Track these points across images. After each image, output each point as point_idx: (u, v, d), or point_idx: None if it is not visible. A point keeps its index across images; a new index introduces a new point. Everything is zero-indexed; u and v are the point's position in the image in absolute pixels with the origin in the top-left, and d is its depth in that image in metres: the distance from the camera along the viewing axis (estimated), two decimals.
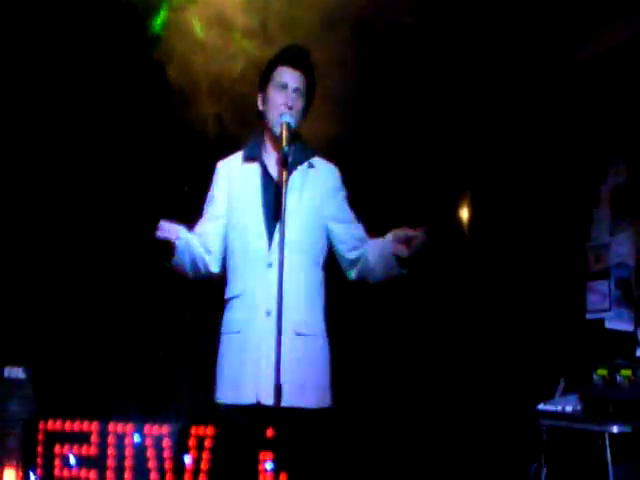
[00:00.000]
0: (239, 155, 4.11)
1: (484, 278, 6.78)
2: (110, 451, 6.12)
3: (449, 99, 6.57)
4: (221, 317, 3.99)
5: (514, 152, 6.61)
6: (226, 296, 3.94)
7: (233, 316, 3.87)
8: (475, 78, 6.43)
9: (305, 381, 3.76)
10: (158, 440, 6.15)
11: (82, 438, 6.15)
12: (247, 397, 3.74)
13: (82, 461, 6.14)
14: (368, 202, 5.96)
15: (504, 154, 6.71)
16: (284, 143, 3.90)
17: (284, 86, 3.97)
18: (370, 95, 5.87)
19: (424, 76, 6.30)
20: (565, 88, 6.29)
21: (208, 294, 5.17)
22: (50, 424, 6.15)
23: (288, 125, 3.93)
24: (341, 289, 4.17)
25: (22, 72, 6.31)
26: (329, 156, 4.21)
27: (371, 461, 6.63)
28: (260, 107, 4.07)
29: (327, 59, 4.78)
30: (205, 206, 4.11)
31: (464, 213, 7.20)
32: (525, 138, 6.55)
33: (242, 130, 4.65)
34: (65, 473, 6.14)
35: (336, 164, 4.20)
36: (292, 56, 3.98)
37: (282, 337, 3.51)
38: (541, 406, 5.58)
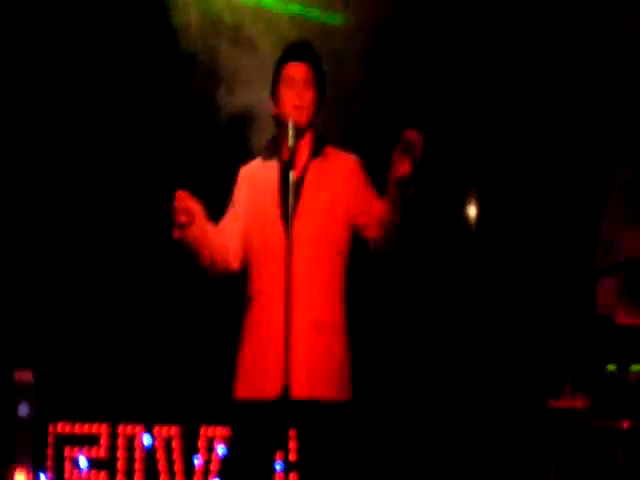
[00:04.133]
0: (259, 158, 4.19)
1: (492, 274, 6.77)
2: (120, 453, 6.12)
3: (455, 92, 6.57)
4: (233, 316, 4.04)
5: (522, 146, 6.61)
6: (247, 294, 4.01)
7: (254, 314, 3.95)
8: (483, 73, 6.42)
9: (326, 374, 3.86)
10: (168, 441, 6.15)
11: (92, 440, 6.15)
12: (271, 391, 3.79)
13: (92, 463, 6.14)
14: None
15: (511, 148, 6.70)
16: (290, 142, 3.93)
17: (292, 80, 3.99)
18: (378, 89, 5.87)
19: (432, 69, 6.30)
20: (572, 85, 6.29)
21: (219, 293, 5.15)
22: (60, 427, 6.15)
23: (293, 124, 3.96)
24: (361, 281, 4.18)
25: (25, 64, 6.33)
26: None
27: (384, 456, 6.63)
28: (274, 111, 4.11)
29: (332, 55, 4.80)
30: (227, 209, 4.20)
31: (471, 209, 7.19)
32: (534, 133, 6.54)
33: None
34: (75, 476, 6.14)
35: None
36: (296, 51, 4.02)
37: (302, 332, 3.72)
38: (551, 402, 5.57)
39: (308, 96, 4.01)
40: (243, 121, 5.30)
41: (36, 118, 6.50)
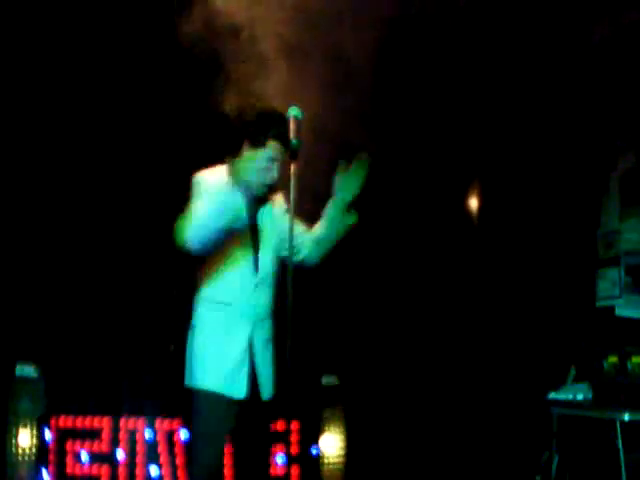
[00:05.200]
0: (223, 173, 4.23)
1: (494, 266, 6.79)
2: (122, 447, 6.14)
3: (459, 87, 6.58)
4: None
5: (524, 140, 6.62)
6: (216, 299, 4.28)
7: (220, 317, 4.26)
8: (485, 67, 6.43)
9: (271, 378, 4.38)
10: (169, 435, 6.17)
11: (94, 434, 6.16)
12: (237, 392, 4.21)
13: (94, 457, 6.15)
14: (378, 192, 6.01)
15: (513, 142, 6.71)
16: (292, 135, 4.00)
17: (273, 160, 4.25)
18: (381, 84, 5.87)
19: (435, 64, 6.32)
20: (573, 76, 6.29)
21: None
22: (62, 421, 6.16)
23: (296, 118, 4.02)
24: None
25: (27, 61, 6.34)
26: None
27: (382, 447, 6.67)
28: (240, 155, 4.28)
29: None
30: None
31: (474, 201, 7.21)
32: (534, 126, 6.55)
33: None
34: (77, 470, 6.14)
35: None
36: (283, 134, 4.15)
37: (259, 343, 4.29)
38: (552, 394, 5.59)
39: (278, 172, 4.29)
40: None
41: (36, 118, 6.52)
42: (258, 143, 4.25)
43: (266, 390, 4.28)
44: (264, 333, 4.34)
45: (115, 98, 6.50)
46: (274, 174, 4.26)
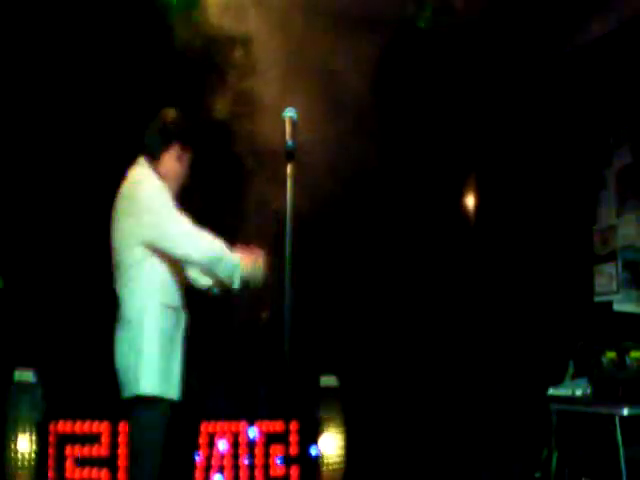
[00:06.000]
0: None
1: (492, 264, 6.81)
2: (121, 451, 6.12)
3: (456, 84, 6.60)
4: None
5: (520, 137, 6.63)
6: (162, 300, 4.29)
7: (168, 320, 4.30)
8: (481, 63, 6.45)
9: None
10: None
11: (93, 439, 6.15)
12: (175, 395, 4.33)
13: (93, 462, 6.13)
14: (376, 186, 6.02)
15: (510, 138, 6.72)
16: (288, 137, 3.97)
17: (189, 165, 4.50)
18: (379, 82, 5.89)
19: (433, 63, 6.34)
20: (569, 72, 6.30)
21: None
22: (61, 426, 6.14)
23: (291, 119, 4.00)
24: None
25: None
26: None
27: (381, 447, 6.69)
28: (174, 156, 4.44)
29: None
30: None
31: (470, 199, 7.22)
32: (531, 121, 6.56)
33: None
34: (77, 474, 6.12)
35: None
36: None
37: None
38: (551, 390, 5.60)
39: None
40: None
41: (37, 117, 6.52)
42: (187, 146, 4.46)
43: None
44: None
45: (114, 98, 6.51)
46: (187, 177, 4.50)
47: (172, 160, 4.43)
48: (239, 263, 4.27)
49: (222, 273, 4.27)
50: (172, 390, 4.30)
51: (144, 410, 4.23)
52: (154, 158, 4.41)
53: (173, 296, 4.35)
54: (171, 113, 4.49)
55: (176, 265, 4.35)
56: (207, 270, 4.34)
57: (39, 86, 6.39)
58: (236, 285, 4.29)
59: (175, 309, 4.36)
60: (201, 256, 4.23)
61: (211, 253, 4.23)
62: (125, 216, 4.26)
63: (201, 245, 4.23)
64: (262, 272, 4.34)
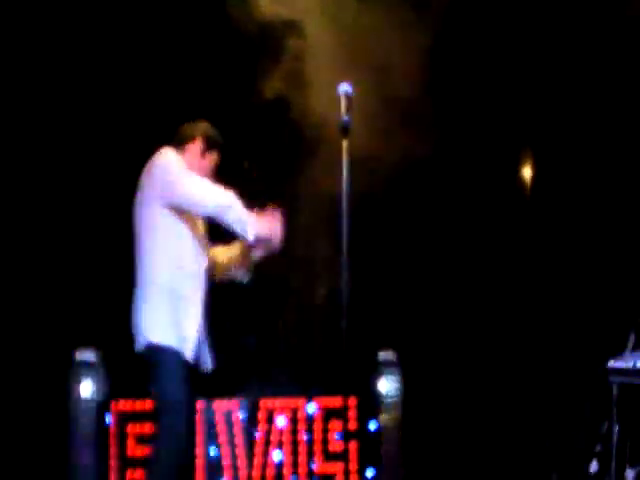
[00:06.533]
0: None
1: (550, 236, 6.75)
2: None
3: (510, 55, 6.54)
4: None
5: (583, 112, 6.55)
6: (175, 262, 4.43)
7: (179, 281, 4.43)
8: (540, 34, 6.38)
9: None
10: (228, 415, 6.23)
11: (154, 417, 6.22)
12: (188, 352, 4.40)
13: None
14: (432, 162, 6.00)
15: (569, 113, 6.64)
16: (344, 112, 4.04)
17: (213, 167, 4.66)
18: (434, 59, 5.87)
19: (486, 37, 6.31)
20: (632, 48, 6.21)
21: None
22: (122, 404, 6.24)
23: (347, 94, 4.05)
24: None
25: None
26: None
27: (439, 421, 6.70)
28: (198, 150, 4.60)
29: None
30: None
31: (526, 174, 7.16)
32: (592, 95, 6.48)
33: None
34: (138, 452, 6.22)
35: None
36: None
37: None
38: (611, 363, 5.53)
39: None
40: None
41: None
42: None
43: None
44: None
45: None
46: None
47: (196, 153, 4.58)
48: (250, 217, 4.34)
49: (233, 222, 4.32)
50: (184, 345, 4.36)
51: (157, 358, 4.35)
52: (178, 147, 4.56)
53: (188, 260, 4.44)
54: (202, 122, 4.69)
55: (195, 229, 4.49)
56: (219, 218, 4.37)
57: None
58: (250, 237, 4.33)
59: (190, 273, 4.44)
60: (212, 203, 4.33)
61: (222, 200, 4.32)
62: (146, 185, 4.44)
63: (212, 193, 4.35)
64: (278, 234, 4.42)
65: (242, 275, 4.75)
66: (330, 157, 4.37)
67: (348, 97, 4.03)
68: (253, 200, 4.43)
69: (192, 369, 4.42)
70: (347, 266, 3.94)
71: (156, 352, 4.34)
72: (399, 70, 5.30)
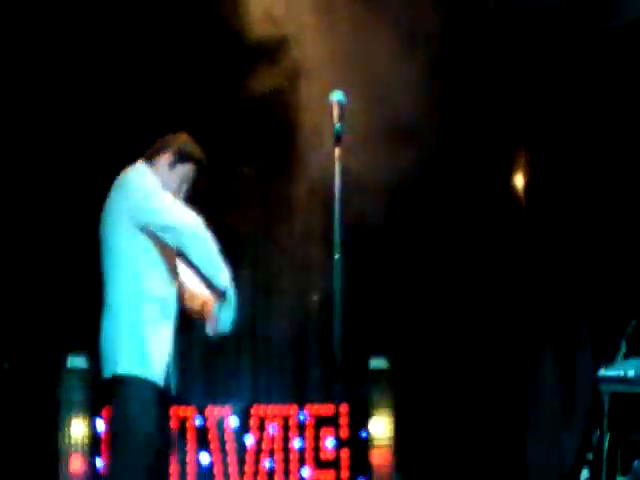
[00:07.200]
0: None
1: (542, 241, 6.77)
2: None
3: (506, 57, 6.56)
4: None
5: (580, 111, 6.55)
6: (145, 287, 4.22)
7: (149, 307, 4.21)
8: (538, 34, 6.39)
9: None
10: (220, 422, 6.23)
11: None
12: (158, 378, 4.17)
13: None
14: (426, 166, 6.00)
15: (566, 114, 6.64)
16: (336, 120, 4.00)
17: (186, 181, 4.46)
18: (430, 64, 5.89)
19: (481, 39, 6.33)
20: (628, 47, 6.22)
21: None
22: None
23: (339, 103, 4.03)
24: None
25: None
26: None
27: (431, 430, 6.71)
28: (167, 162, 4.40)
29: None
30: None
31: (519, 181, 7.17)
32: (585, 96, 6.49)
33: None
34: None
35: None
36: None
37: None
38: (602, 371, 5.54)
39: None
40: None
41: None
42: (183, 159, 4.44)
43: None
44: None
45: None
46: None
47: (165, 166, 4.39)
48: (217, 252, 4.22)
49: (197, 253, 4.21)
50: (153, 373, 4.14)
51: (122, 389, 4.11)
52: (148, 160, 4.40)
53: (158, 284, 4.26)
54: (181, 134, 4.53)
55: (165, 253, 4.28)
56: (183, 247, 4.23)
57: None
58: (223, 284, 4.22)
59: (159, 298, 4.25)
60: (182, 226, 4.19)
61: (192, 226, 4.19)
62: (114, 200, 4.27)
63: (182, 216, 4.21)
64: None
65: (210, 329, 4.35)
66: (323, 164, 4.37)
67: (341, 105, 4.03)
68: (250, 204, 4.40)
69: (164, 396, 4.20)
70: (340, 272, 3.94)
71: (123, 383, 4.12)
72: (392, 81, 5.31)
